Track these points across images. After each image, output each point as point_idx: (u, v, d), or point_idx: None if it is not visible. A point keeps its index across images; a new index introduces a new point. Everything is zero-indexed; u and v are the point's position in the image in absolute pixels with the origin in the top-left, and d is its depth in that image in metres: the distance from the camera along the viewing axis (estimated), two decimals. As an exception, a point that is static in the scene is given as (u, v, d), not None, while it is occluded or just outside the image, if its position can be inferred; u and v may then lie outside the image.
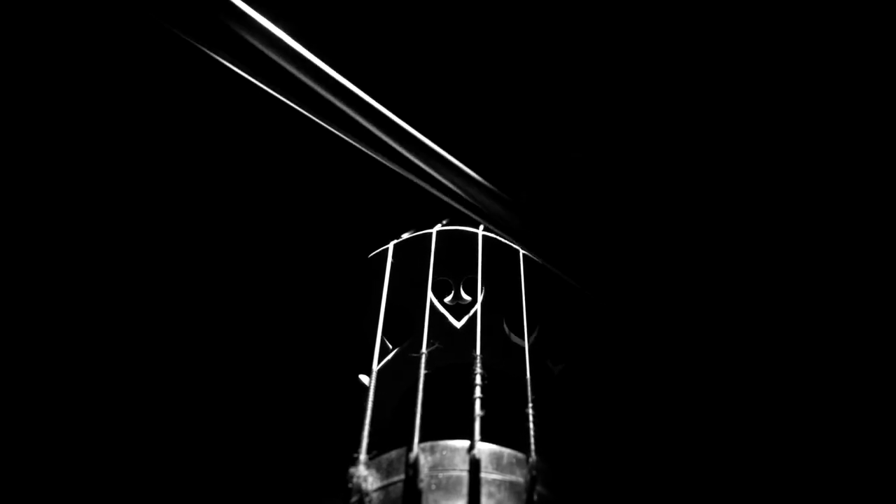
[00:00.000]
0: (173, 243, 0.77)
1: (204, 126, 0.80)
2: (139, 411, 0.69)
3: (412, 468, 0.45)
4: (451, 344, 0.61)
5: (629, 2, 0.79)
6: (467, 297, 0.67)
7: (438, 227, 0.69)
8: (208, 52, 0.50)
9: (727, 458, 0.67)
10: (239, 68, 0.51)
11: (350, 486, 0.45)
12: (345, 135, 0.54)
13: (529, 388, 0.53)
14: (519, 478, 0.46)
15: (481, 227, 0.68)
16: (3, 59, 0.74)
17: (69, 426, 0.68)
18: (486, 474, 0.45)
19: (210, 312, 0.75)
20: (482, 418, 0.48)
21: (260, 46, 0.51)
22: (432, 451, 0.46)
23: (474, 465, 0.45)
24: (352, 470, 0.45)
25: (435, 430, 0.48)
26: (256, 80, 0.52)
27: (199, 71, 0.78)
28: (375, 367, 0.55)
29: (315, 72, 0.52)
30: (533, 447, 0.48)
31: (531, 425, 0.50)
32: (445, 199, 0.57)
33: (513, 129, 0.82)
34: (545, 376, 0.62)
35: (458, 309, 0.65)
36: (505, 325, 0.64)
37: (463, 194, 0.57)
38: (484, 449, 0.46)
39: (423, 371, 0.53)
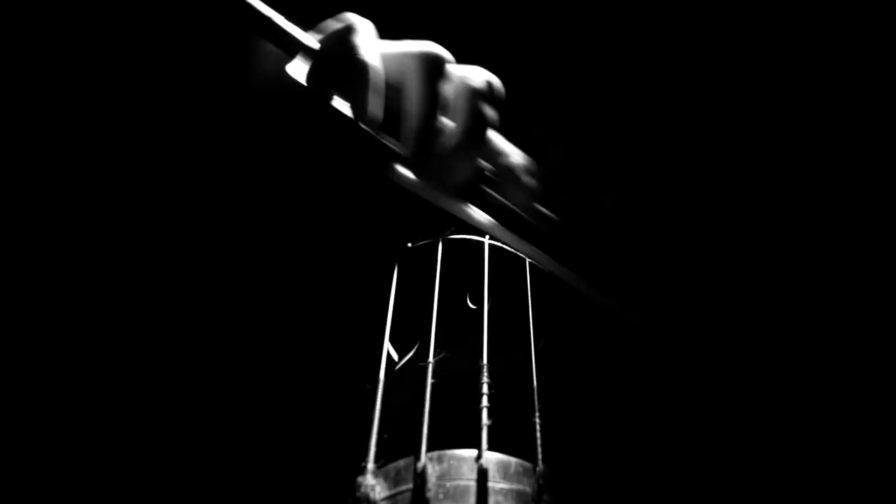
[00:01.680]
0: (178, 245, 0.77)
1: (211, 126, 0.80)
2: (143, 417, 0.69)
3: (420, 477, 0.45)
4: (458, 353, 0.62)
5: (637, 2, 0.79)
6: (474, 306, 0.67)
7: (445, 235, 0.69)
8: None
9: (733, 468, 0.67)
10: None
11: (358, 495, 0.45)
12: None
13: (536, 397, 0.53)
14: (527, 487, 0.46)
15: (487, 235, 0.68)
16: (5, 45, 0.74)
17: (72, 426, 0.68)
18: (494, 483, 0.45)
19: (215, 318, 0.75)
20: (489, 427, 0.48)
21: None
22: (440, 460, 0.46)
23: (482, 474, 0.45)
24: (359, 479, 0.46)
25: (442, 439, 0.48)
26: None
27: (214, 69, 0.79)
28: (382, 375, 0.55)
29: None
30: (540, 456, 0.48)
31: (538, 434, 0.50)
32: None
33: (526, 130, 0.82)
34: (552, 385, 0.62)
35: (465, 318, 0.65)
36: (511, 334, 0.64)
37: None
38: (491, 458, 0.47)
39: (429, 380, 0.53)
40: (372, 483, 0.45)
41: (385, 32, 0.78)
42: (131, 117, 0.78)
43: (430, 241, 0.68)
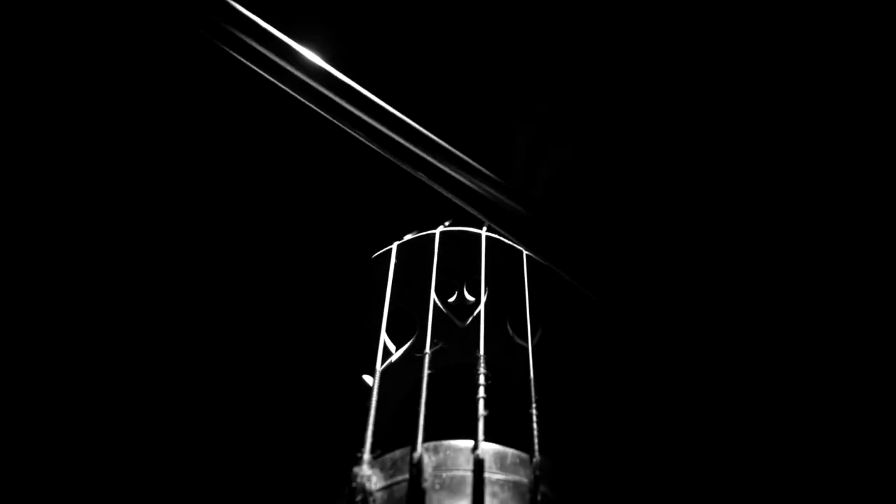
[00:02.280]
0: (173, 243, 0.77)
1: (205, 125, 0.80)
2: (140, 413, 0.69)
3: (416, 468, 0.45)
4: (455, 344, 0.62)
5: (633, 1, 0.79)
6: (471, 298, 0.67)
7: (442, 227, 0.69)
8: (215, 41, 0.51)
9: (728, 457, 0.67)
10: (243, 58, 0.51)
11: (354, 485, 0.45)
12: (355, 132, 0.55)
13: (533, 388, 0.53)
14: (523, 478, 0.46)
15: (485, 227, 0.68)
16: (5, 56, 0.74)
17: (69, 426, 0.68)
18: (490, 474, 0.45)
19: (211, 313, 0.75)
20: (486, 418, 0.48)
21: (261, 48, 0.52)
22: (436, 450, 0.46)
23: (478, 464, 0.45)
24: (355, 469, 0.45)
25: (439, 430, 0.48)
26: (263, 71, 0.52)
27: (197, 73, 0.78)
28: (379, 367, 0.55)
29: (324, 76, 0.52)
30: (537, 447, 0.48)
31: (535, 425, 0.50)
32: (454, 198, 0.57)
33: (518, 129, 0.82)
34: (549, 376, 0.62)
35: (462, 309, 0.65)
36: (508, 326, 0.64)
37: (475, 188, 0.57)
38: (488, 449, 0.46)
39: (426, 371, 0.53)
40: (368, 473, 0.45)
41: (385, 32, 0.78)
42: (127, 119, 0.78)
43: (427, 232, 0.68)
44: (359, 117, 0.54)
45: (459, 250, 0.67)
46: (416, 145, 0.55)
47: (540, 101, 0.82)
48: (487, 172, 0.58)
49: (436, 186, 0.57)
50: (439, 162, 0.56)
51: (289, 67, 0.53)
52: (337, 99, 0.54)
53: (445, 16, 0.81)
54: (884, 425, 0.67)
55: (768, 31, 0.78)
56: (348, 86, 0.54)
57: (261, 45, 0.52)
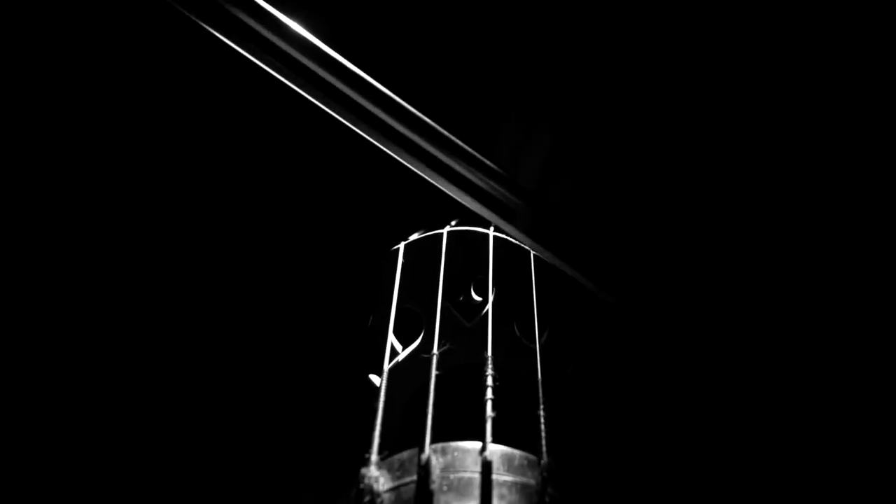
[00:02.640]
0: (180, 241, 0.77)
1: (213, 121, 0.80)
2: (146, 412, 0.69)
3: (424, 469, 0.44)
4: (462, 345, 0.61)
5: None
6: (478, 298, 0.67)
7: (449, 227, 0.69)
8: (217, 34, 0.51)
9: (736, 460, 0.67)
10: (246, 50, 0.51)
11: (361, 486, 0.45)
12: (356, 125, 0.54)
13: (541, 390, 0.53)
14: (531, 479, 0.46)
15: (492, 227, 0.68)
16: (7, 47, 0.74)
17: (72, 426, 0.68)
18: (498, 476, 0.45)
19: (218, 312, 0.75)
20: (494, 419, 0.48)
21: (268, 34, 0.52)
22: (444, 452, 0.46)
23: (486, 466, 0.45)
24: (363, 470, 0.45)
25: (446, 431, 0.48)
26: (266, 65, 0.52)
27: (208, 65, 0.78)
28: (386, 367, 0.55)
29: (331, 63, 0.52)
30: (545, 449, 0.48)
31: (543, 427, 0.50)
32: (457, 194, 0.57)
33: (523, 124, 0.81)
34: (557, 377, 0.62)
35: (469, 309, 0.65)
36: (516, 326, 0.64)
37: (479, 182, 0.57)
38: (496, 450, 0.46)
39: (434, 372, 0.53)
40: (375, 474, 0.45)
41: (385, 32, 0.78)
42: (128, 119, 0.78)
43: (435, 232, 0.68)
44: (362, 106, 0.54)
45: (466, 250, 0.67)
46: (408, 128, 0.55)
47: (535, 94, 0.82)
48: (491, 164, 0.57)
49: (432, 180, 0.57)
50: (442, 153, 0.56)
51: (287, 48, 0.52)
52: (335, 81, 0.53)
53: (437, 9, 0.80)
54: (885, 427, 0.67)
55: (768, 29, 0.78)
56: (350, 70, 0.53)
57: (266, 29, 0.51)
